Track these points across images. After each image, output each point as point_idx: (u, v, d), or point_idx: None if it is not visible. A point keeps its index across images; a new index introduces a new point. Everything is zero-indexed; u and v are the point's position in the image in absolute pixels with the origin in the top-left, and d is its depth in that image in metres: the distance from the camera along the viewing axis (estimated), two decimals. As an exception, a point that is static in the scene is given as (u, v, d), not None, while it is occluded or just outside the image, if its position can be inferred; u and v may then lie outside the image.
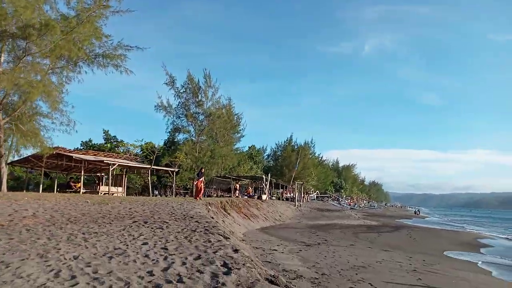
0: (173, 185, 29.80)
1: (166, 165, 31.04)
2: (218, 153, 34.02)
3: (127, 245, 5.80)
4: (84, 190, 22.70)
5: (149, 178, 27.61)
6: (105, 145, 43.87)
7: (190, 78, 34.47)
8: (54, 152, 19.89)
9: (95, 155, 24.79)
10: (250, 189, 36.18)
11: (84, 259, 4.83)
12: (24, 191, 22.56)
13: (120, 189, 25.38)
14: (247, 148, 58.71)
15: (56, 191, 24.65)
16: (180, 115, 34.83)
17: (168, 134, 37.76)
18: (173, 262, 4.82)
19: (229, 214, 19.88)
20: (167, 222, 9.06)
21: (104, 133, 46.32)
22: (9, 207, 9.82)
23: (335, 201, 74.60)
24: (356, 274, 9.03)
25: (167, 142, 43.97)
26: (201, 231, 7.63)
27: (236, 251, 5.76)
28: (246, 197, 31.77)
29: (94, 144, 44.28)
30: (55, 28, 16.47)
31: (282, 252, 11.84)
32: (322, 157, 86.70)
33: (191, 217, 10.50)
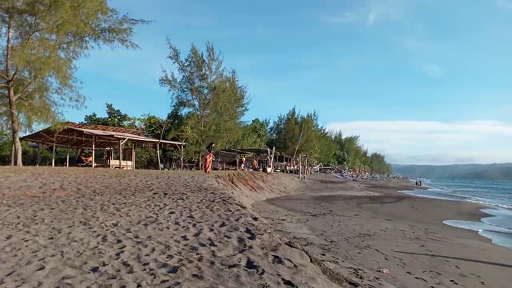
0: (181, 159, 30.26)
1: (173, 139, 31.40)
2: (223, 127, 34.35)
3: (157, 214, 6.31)
4: (96, 164, 23.27)
5: (158, 152, 28.06)
6: (109, 119, 43.84)
7: (194, 52, 34.39)
8: (66, 128, 20.26)
9: (104, 129, 25.11)
10: (255, 162, 36.63)
11: (123, 226, 5.34)
12: (37, 165, 23.10)
13: (129, 162, 25.91)
14: (251, 122, 58.90)
15: (66, 165, 25.21)
16: (185, 89, 35.01)
17: (172, 108, 37.95)
18: (201, 229, 5.32)
19: (236, 186, 20.42)
20: (186, 194, 9.56)
21: (107, 107, 46.19)
22: (36, 180, 10.34)
23: (338, 173, 75.31)
24: (363, 241, 9.53)
25: (171, 116, 44.19)
26: (219, 202, 8.14)
27: (255, 219, 6.26)
28: (251, 170, 32.28)
29: (99, 118, 44.07)
30: (64, 4, 16.52)
31: (291, 222, 12.32)
32: (325, 129, 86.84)
33: (206, 189, 11.00)
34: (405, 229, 12.82)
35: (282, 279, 3.33)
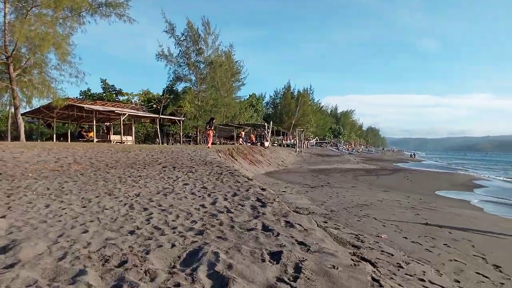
0: (180, 134, 30.60)
1: (171, 114, 31.61)
2: (221, 102, 34.54)
3: (172, 186, 6.75)
4: (97, 139, 23.52)
5: (157, 127, 28.33)
6: (104, 94, 43.58)
7: (190, 26, 34.11)
8: (67, 104, 20.40)
9: (103, 105, 25.30)
10: (253, 137, 37.05)
11: (145, 196, 5.78)
12: (38, 140, 23.34)
13: (129, 137, 26.27)
14: (247, 96, 58.90)
15: (68, 141, 25.45)
16: (181, 64, 34.91)
17: (169, 83, 37.91)
18: (216, 198, 5.77)
19: (236, 160, 20.87)
20: (193, 167, 10.00)
21: (101, 82, 45.73)
22: (49, 155, 10.71)
23: (334, 147, 76.13)
24: (361, 210, 10.05)
25: (167, 91, 44.16)
26: (227, 174, 8.59)
27: (263, 189, 6.72)
28: (249, 144, 32.72)
29: (93, 93, 43.72)
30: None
31: (291, 193, 12.81)
32: (320, 103, 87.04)
33: (211, 163, 11.45)
34: (401, 199, 13.36)
35: (296, 240, 3.79)
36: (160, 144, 26.32)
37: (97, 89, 45.99)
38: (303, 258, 3.19)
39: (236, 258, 3.08)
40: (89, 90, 45.01)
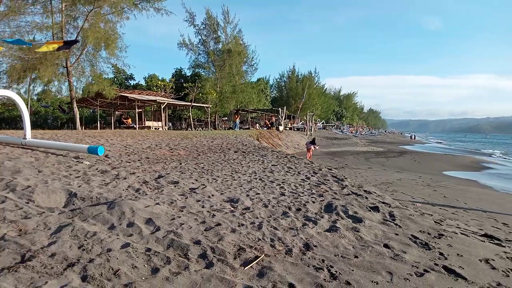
0: (209, 120, 32.66)
1: (194, 101, 33.49)
2: (239, 89, 36.35)
3: (265, 167, 8.90)
4: (138, 126, 25.45)
5: (190, 114, 30.25)
6: (115, 79, 44.97)
7: (209, 16, 35.70)
8: (119, 94, 22.25)
9: (139, 93, 27.13)
10: (268, 122, 39.02)
11: (257, 173, 7.88)
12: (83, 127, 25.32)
13: (160, 123, 28.28)
14: (255, 80, 60.28)
15: (112, 128, 27.37)
16: (201, 52, 36.60)
17: (191, 70, 39.60)
18: (306, 176, 7.91)
19: (261, 144, 23.06)
20: (258, 152, 12.18)
21: (112, 66, 47.47)
22: (144, 143, 12.64)
23: (338, 130, 78.16)
24: (388, 187, 12.06)
25: (175, 75, 46.11)
26: (289, 158, 10.76)
27: (330, 169, 8.87)
28: (264, 128, 34.68)
29: (104, 78, 45.42)
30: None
31: (324, 174, 15.01)
32: (324, 86, 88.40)
33: (260, 148, 13.60)
34: (415, 178, 15.37)
35: (380, 201, 5.89)
36: (192, 129, 28.22)
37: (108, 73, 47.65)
38: (392, 210, 5.31)
39: (353, 209, 5.18)
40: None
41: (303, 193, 6.08)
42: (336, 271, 3.05)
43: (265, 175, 7.72)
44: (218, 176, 7.18)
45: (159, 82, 40.23)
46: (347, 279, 2.93)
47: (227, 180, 6.81)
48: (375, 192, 6.47)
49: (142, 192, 5.23)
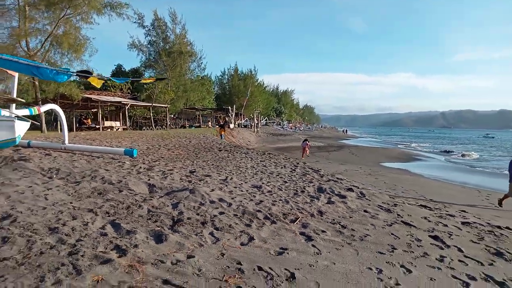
0: (167, 119, 33.47)
1: (144, 100, 34.03)
2: (189, 88, 37.55)
3: (257, 163, 10.85)
4: (99, 126, 25.66)
5: (151, 114, 30.88)
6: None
7: (157, 17, 36.52)
8: (85, 96, 22.51)
9: (98, 94, 27.17)
10: (222, 121, 40.47)
11: (256, 168, 9.77)
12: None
13: (117, 123, 28.65)
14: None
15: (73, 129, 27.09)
16: (151, 52, 37.21)
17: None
18: (291, 169, 10.03)
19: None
20: (239, 150, 14.09)
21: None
22: (141, 144, 13.85)
23: (279, 126, 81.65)
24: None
25: (115, 73, 46.16)
26: (268, 154, 12.86)
27: (298, 163, 11.09)
28: (217, 126, 36.20)
29: None
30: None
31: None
32: (264, 83, 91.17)
33: (233, 146, 15.52)
34: (357, 169, 17.92)
35: (352, 184, 8.20)
36: (154, 129, 28.81)
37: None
38: (361, 190, 7.62)
39: (337, 190, 7.38)
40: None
41: (297, 180, 8.20)
42: (343, 225, 5.18)
43: (263, 169, 9.73)
44: (230, 171, 8.98)
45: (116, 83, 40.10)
46: (351, 228, 5.07)
47: (239, 173, 8.69)
48: (345, 179, 8.76)
49: (194, 182, 6.97)
